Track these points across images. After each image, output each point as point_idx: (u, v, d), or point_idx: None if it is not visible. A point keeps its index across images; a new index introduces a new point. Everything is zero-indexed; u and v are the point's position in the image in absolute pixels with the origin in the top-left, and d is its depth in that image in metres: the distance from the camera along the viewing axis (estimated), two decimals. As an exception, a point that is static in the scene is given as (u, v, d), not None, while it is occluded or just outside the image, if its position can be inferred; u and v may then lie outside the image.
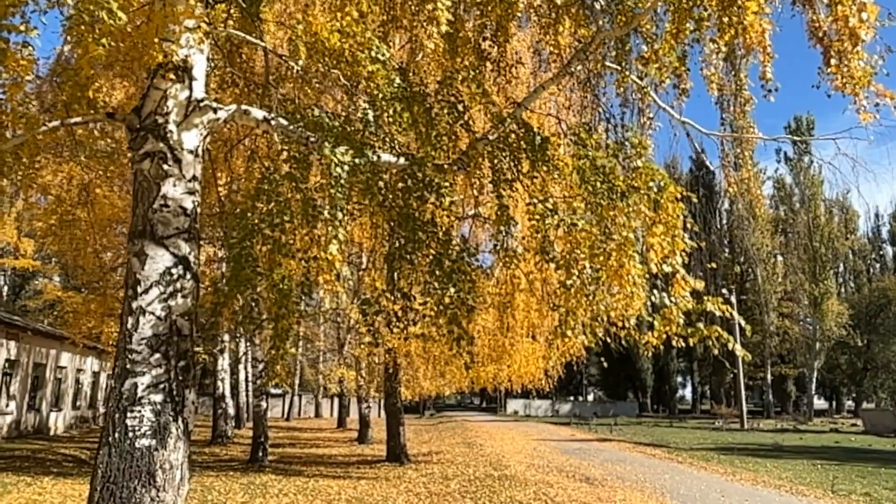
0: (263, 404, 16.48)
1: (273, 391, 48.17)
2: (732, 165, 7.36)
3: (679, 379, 64.44)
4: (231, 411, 23.77)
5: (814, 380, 46.73)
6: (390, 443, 16.87)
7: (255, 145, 6.62)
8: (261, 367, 18.13)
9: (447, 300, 4.93)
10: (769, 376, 48.88)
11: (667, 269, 4.92)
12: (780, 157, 52.17)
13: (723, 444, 23.74)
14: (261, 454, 15.63)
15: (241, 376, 28.17)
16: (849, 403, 59.32)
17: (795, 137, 9.00)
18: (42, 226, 14.21)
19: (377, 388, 21.54)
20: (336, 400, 40.01)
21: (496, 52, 6.76)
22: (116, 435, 4.19)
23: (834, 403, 62.01)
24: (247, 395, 29.42)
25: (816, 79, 5.02)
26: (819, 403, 59.89)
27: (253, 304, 4.94)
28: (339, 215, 4.55)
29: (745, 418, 36.66)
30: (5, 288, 41.49)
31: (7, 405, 19.23)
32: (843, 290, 54.45)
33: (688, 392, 73.31)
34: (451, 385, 20.48)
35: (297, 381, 39.13)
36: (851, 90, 4.57)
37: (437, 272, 5.02)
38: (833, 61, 4.75)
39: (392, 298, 5.30)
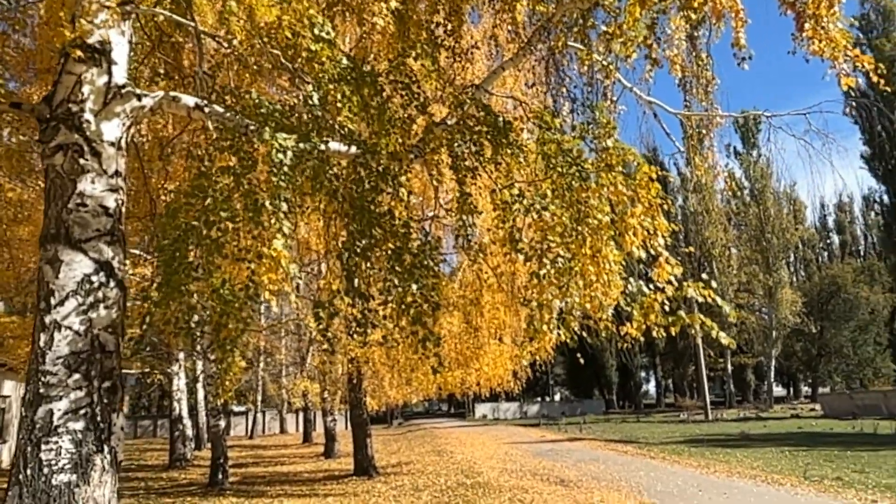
0: (221, 423, 15.64)
1: (235, 409, 46.85)
2: (698, 147, 7.09)
3: (643, 374, 65.06)
4: (189, 433, 22.71)
5: (772, 368, 47.71)
6: (357, 456, 16.24)
7: (193, 141, 6.05)
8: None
9: (409, 298, 4.48)
10: (729, 367, 49.73)
11: (647, 252, 4.55)
12: (729, 151, 53.37)
13: (691, 437, 23.79)
14: (220, 476, 14.80)
15: (200, 395, 27.02)
16: (805, 389, 60.90)
17: (767, 113, 8.87)
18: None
19: (342, 399, 20.87)
20: (301, 414, 38.95)
21: (451, 40, 6.36)
22: (29, 471, 3.57)
23: (792, 390, 63.59)
24: (206, 416, 28.26)
25: (788, 47, 4.74)
26: (778, 391, 61.32)
27: (189, 312, 4.36)
28: (284, 207, 4.06)
29: (709, 409, 37.10)
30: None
31: (-58, 440, 17.84)
32: (794, 279, 55.90)
33: (651, 387, 74.19)
34: (418, 392, 19.93)
35: (259, 398, 37.91)
36: (831, 54, 4.29)
37: (398, 268, 4.56)
38: (807, 25, 4.47)
39: (349, 301, 4.83)
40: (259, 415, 43.42)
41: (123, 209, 4.37)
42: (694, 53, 6.86)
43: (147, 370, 22.77)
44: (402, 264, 4.52)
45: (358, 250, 4.55)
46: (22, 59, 7.27)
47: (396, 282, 4.51)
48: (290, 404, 32.52)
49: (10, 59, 7.11)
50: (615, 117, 6.15)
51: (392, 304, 4.57)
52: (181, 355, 21.27)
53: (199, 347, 16.40)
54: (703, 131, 7.34)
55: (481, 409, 55.58)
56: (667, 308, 4.85)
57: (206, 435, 27.25)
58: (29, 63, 6.82)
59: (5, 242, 8.93)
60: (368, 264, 4.51)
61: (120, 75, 4.49)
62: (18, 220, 8.72)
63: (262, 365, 32.94)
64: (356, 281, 4.51)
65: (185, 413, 21.73)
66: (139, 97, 4.52)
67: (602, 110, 5.38)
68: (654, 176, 4.79)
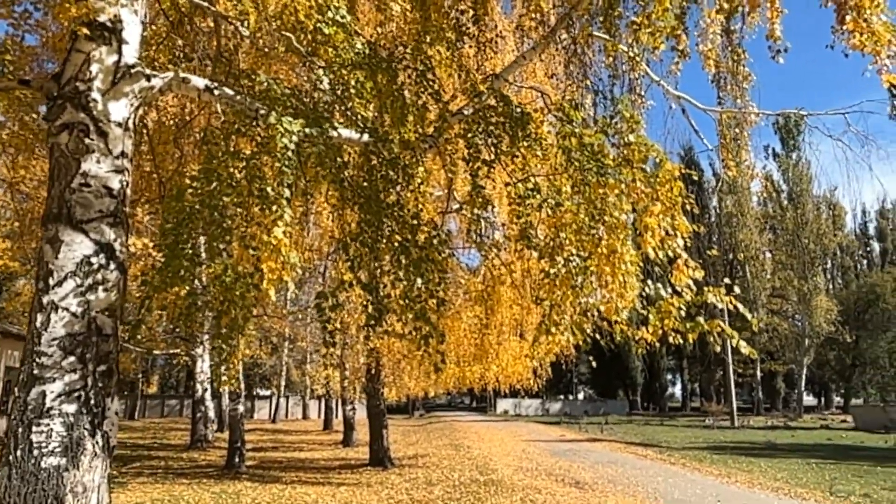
0: (240, 408, 15.78)
1: (260, 392, 47.64)
2: (731, 146, 6.78)
3: (669, 377, 64.30)
4: (212, 414, 23.04)
5: (803, 376, 46.52)
6: (373, 446, 16.23)
7: (207, 126, 5.99)
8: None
9: (414, 293, 4.35)
10: (759, 373, 48.64)
11: (665, 253, 4.34)
12: (767, 153, 51.99)
13: (715, 443, 23.28)
14: (237, 460, 14.93)
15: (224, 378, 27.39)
16: (837, 400, 59.29)
17: (804, 111, 8.45)
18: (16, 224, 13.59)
19: (362, 389, 20.93)
20: (322, 402, 39.32)
21: (475, 28, 6.18)
22: (19, 453, 3.53)
23: (823, 400, 61.99)
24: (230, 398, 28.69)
25: (828, 40, 4.44)
26: (808, 400, 59.88)
27: (189, 298, 4.30)
28: (287, 193, 3.96)
29: (736, 416, 36.33)
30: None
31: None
32: (831, 286, 54.36)
33: (678, 390, 73.21)
34: (437, 385, 19.93)
35: (283, 383, 38.37)
36: (872, 49, 3.99)
37: (403, 261, 4.43)
38: (848, 17, 4.17)
39: (360, 293, 4.73)
40: (283, 400, 44.02)
41: (128, 191, 4.30)
42: (730, 48, 6.55)
43: (174, 352, 23.15)
44: (409, 256, 4.39)
45: (364, 241, 4.43)
46: (48, 40, 7.30)
47: (401, 275, 4.38)
48: (313, 391, 32.82)
49: (42, 39, 7.17)
50: (640, 112, 5.91)
51: (396, 297, 4.47)
52: (206, 338, 21.57)
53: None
54: (738, 130, 7.03)
55: (503, 405, 55.44)
56: (686, 313, 4.66)
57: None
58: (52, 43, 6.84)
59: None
60: (374, 256, 4.37)
61: (130, 55, 4.42)
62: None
63: (286, 351, 33.34)
64: (362, 273, 4.40)
65: (208, 395, 22.04)
66: (148, 77, 4.44)
67: (626, 103, 5.17)
68: (676, 174, 4.57)
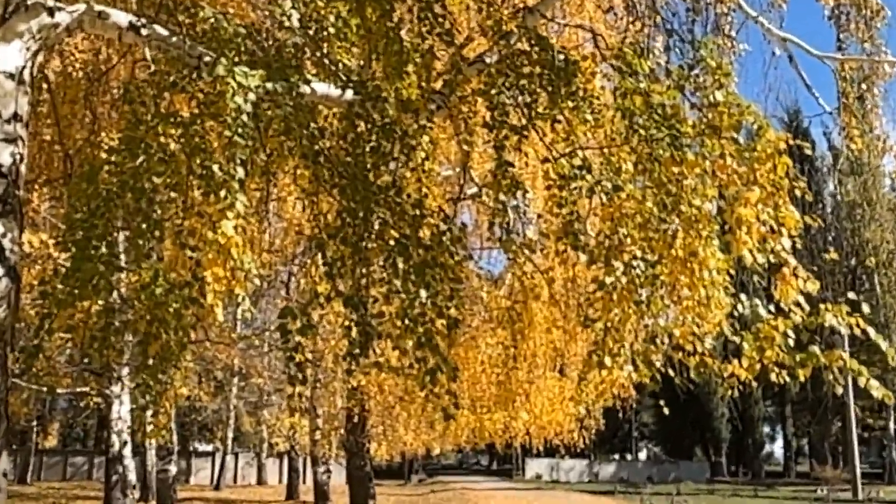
0: (172, 469, 15.93)
1: (199, 448, 47.96)
2: (855, 108, 6.78)
3: (766, 429, 64.16)
4: (132, 476, 23.09)
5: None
6: (355, 524, 16.33)
7: (132, 77, 6.05)
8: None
9: (416, 310, 4.36)
10: (892, 425, 48.42)
11: (766, 257, 4.36)
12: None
13: (831, 523, 23.20)
14: (168, 542, 15.03)
15: (148, 428, 27.55)
16: None
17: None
18: None
19: (340, 443, 21.00)
20: (285, 460, 39.45)
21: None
22: None
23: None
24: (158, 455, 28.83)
25: None
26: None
27: (106, 316, 4.33)
28: (240, 172, 3.98)
29: (860, 484, 36.22)
30: None
31: None
32: None
33: (778, 447, 73.07)
34: (445, 439, 19.99)
35: (230, 435, 38.50)
36: None
37: (401, 266, 4.44)
38: None
39: (334, 309, 4.76)
40: (230, 458, 44.25)
41: (22, 168, 4.33)
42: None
43: (82, 390, 23.29)
44: (409, 260, 4.40)
45: (346, 237, 4.45)
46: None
47: (399, 285, 4.39)
48: (272, 446, 32.97)
49: None
50: (731, 61, 5.92)
51: (393, 318, 4.48)
52: (125, 371, 21.67)
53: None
54: (865, 86, 7.01)
55: (534, 467, 55.51)
56: (794, 340, 4.66)
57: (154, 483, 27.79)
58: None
59: None
60: (360, 259, 4.39)
61: (26, -17, 4.46)
62: None
63: (234, 391, 33.46)
64: (343, 282, 4.42)
65: (127, 451, 22.14)
66: (51, 12, 4.46)
67: (711, 49, 5.17)
68: (782, 146, 4.58)
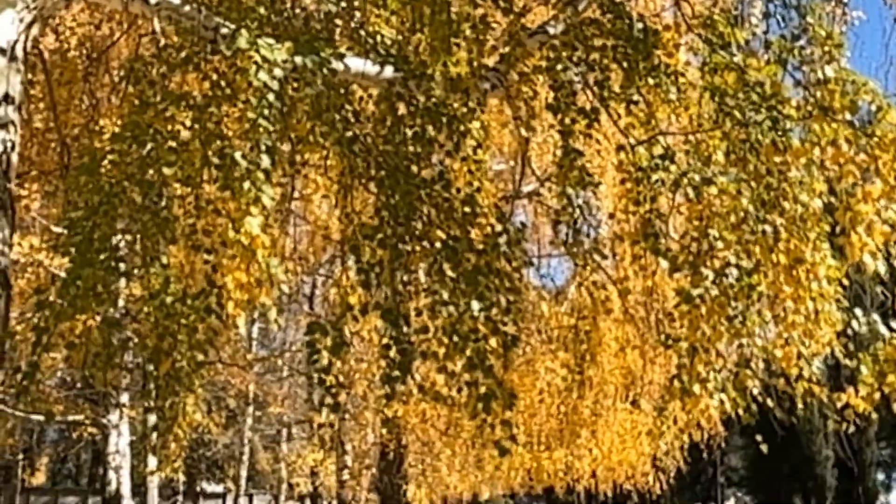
0: (178, 511, 16.07)
1: (208, 488, 48.43)
2: None
3: (880, 476, 62.99)
4: (132, 520, 23.50)
5: None
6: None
7: (137, 54, 6.18)
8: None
9: (467, 325, 4.36)
10: None
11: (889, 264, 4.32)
12: None
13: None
14: None
15: (152, 462, 27.97)
16: None
17: None
18: None
19: (371, 485, 21.07)
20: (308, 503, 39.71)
21: None
22: None
23: None
24: (161, 495, 29.24)
25: None
26: None
27: (110, 330, 4.42)
28: (265, 162, 4.02)
29: None
30: None
31: None
32: None
33: (894, 498, 71.76)
34: (494, 481, 19.93)
35: (243, 473, 38.88)
36: None
37: (449, 273, 4.46)
38: None
39: (369, 324, 4.79)
40: (243, 500, 44.64)
41: (14, 158, 4.44)
42: None
43: (75, 419, 23.67)
44: (458, 266, 4.41)
45: (386, 239, 4.48)
46: None
47: (447, 296, 4.41)
48: (292, 486, 33.15)
49: None
50: (842, 30, 5.84)
51: (439, 334, 4.50)
52: (124, 397, 21.95)
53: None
54: None
55: (601, 516, 55.10)
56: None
57: (158, 527, 28.20)
58: None
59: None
60: (400, 264, 4.41)
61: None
62: None
63: (249, 422, 33.79)
64: (380, 292, 4.44)
65: (126, 490, 22.46)
66: (48, -23, 4.59)
67: (820, 15, 5.11)
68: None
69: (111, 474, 22.32)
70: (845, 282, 4.66)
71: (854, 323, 4.65)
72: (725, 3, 6.22)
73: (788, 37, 5.23)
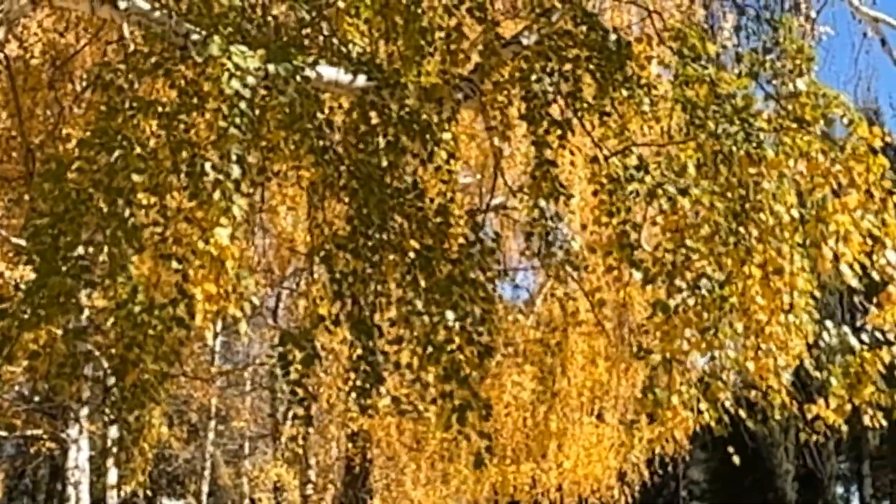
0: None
1: (168, 504, 47.85)
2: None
3: (839, 490, 63.58)
4: (91, 539, 23.17)
5: None
6: None
7: (103, 59, 6.13)
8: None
9: (441, 335, 4.34)
10: None
11: (862, 275, 4.35)
12: None
13: None
14: None
15: (113, 476, 27.57)
16: None
17: None
18: None
19: (335, 500, 20.95)
20: (271, 520, 39.42)
21: None
22: None
23: None
24: (121, 512, 28.86)
25: None
26: None
27: (74, 340, 4.34)
28: (236, 172, 3.99)
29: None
30: None
31: None
32: None
33: (854, 511, 72.51)
34: (459, 495, 19.87)
35: (204, 488, 38.48)
36: None
37: (423, 282, 4.44)
38: None
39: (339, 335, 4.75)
40: (203, 516, 44.21)
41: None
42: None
43: (34, 433, 23.29)
44: (432, 276, 4.39)
45: (359, 248, 4.45)
46: None
47: (420, 306, 4.38)
48: (254, 502, 32.83)
49: None
50: (813, 44, 5.94)
51: (412, 345, 4.47)
52: (84, 411, 21.60)
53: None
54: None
55: (564, 531, 55.16)
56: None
57: (118, 544, 27.82)
58: None
59: None
60: (371, 273, 4.39)
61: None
62: None
63: (211, 436, 33.44)
64: (351, 302, 4.41)
65: (84, 506, 22.17)
66: (15, -17, 4.53)
67: (790, 29, 5.18)
68: (877, 144, 4.58)
69: (70, 490, 21.98)
70: (817, 293, 4.68)
71: (825, 336, 4.69)
72: (696, 16, 6.30)
73: (760, 50, 5.29)
